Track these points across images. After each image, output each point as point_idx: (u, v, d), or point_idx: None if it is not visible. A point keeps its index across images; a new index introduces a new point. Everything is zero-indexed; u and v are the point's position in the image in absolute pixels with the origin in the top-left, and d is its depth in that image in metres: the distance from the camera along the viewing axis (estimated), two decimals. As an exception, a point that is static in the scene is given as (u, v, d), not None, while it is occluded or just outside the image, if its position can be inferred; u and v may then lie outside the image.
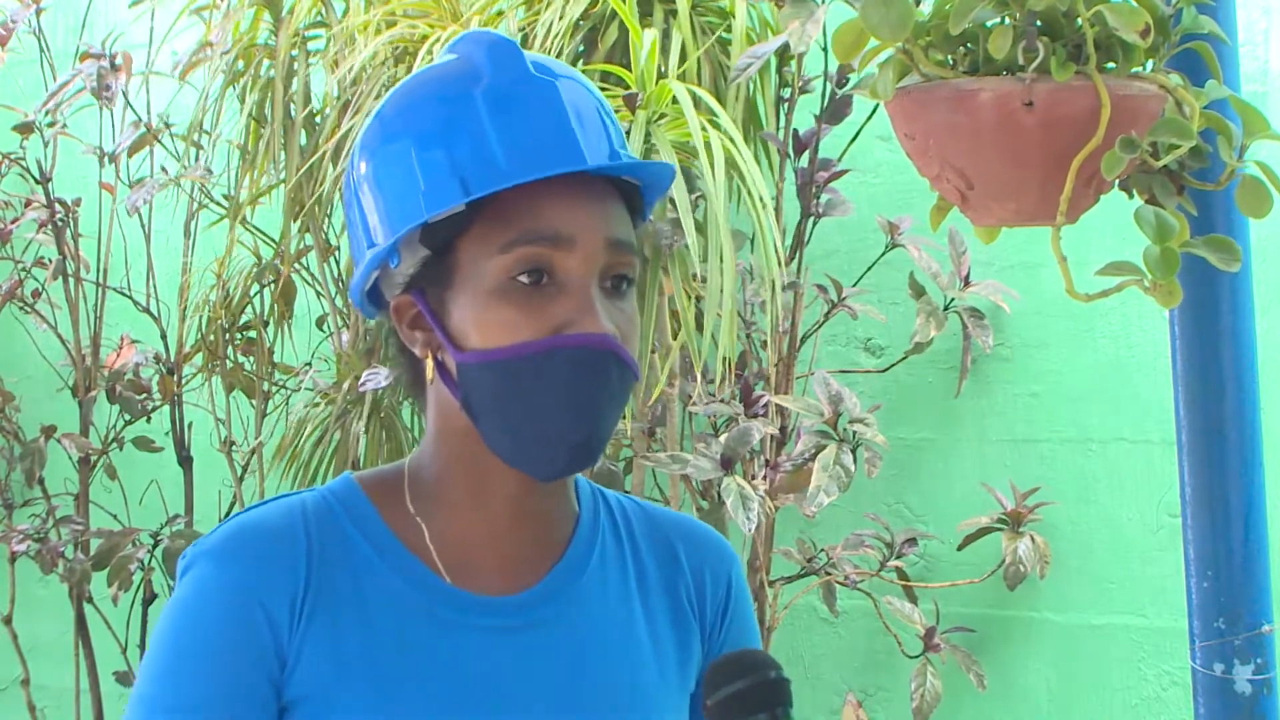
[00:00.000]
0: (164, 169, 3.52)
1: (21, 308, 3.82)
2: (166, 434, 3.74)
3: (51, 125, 3.68)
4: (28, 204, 3.74)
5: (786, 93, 3.06)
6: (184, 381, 3.67)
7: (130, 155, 3.52)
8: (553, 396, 1.36)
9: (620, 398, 1.40)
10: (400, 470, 1.48)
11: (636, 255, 1.42)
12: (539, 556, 1.47)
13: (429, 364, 1.42)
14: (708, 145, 2.57)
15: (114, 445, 3.77)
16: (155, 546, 3.53)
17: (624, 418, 2.78)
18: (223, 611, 1.38)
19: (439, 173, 1.38)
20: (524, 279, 1.37)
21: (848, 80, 2.97)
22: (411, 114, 1.42)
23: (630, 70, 2.70)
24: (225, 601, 1.38)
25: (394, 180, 1.41)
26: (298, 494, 1.47)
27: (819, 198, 3.01)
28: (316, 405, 3.32)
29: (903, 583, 3.06)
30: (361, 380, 2.89)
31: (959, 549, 3.08)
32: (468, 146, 1.38)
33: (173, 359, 3.65)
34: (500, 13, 2.94)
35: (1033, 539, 3.00)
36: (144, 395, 3.70)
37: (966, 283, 3.05)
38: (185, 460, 3.74)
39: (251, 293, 3.45)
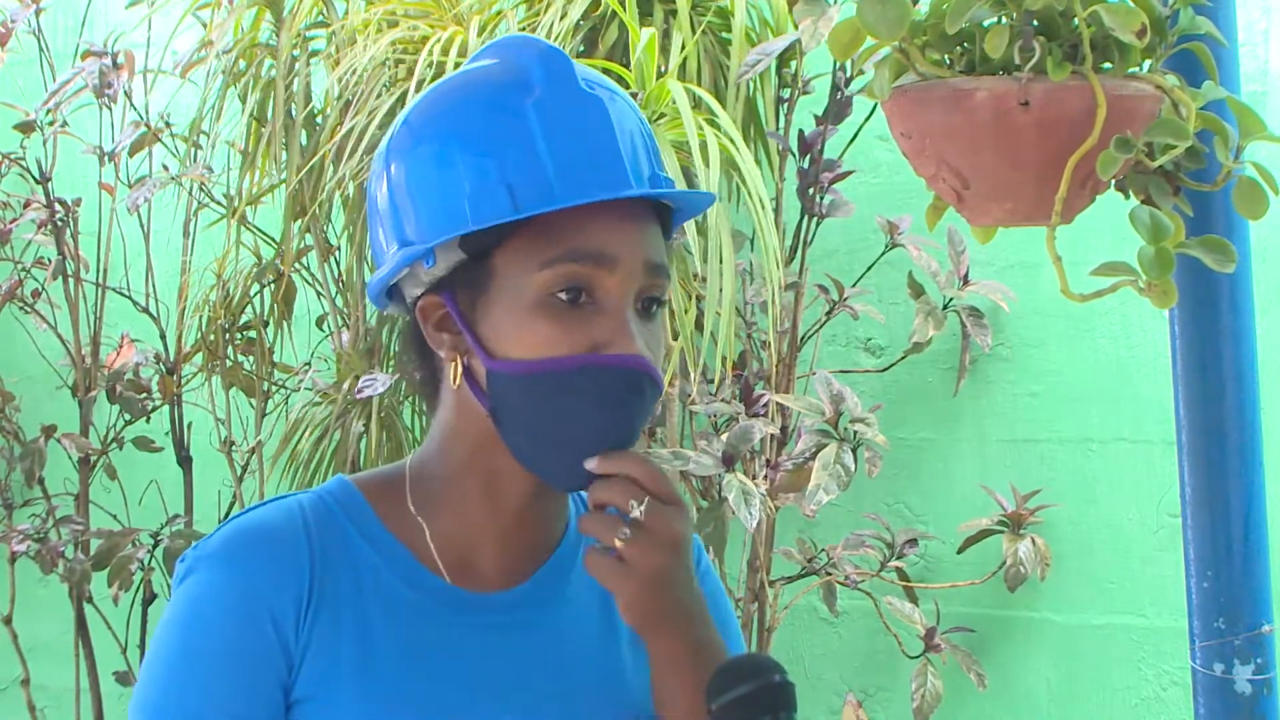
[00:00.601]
0: (164, 167, 3.52)
1: (21, 308, 3.81)
2: (166, 434, 3.73)
3: (51, 124, 3.67)
4: (27, 204, 3.73)
5: (786, 93, 3.06)
6: (184, 381, 3.67)
7: (131, 154, 3.51)
8: (585, 412, 1.37)
9: (648, 415, 1.41)
10: (401, 471, 1.48)
11: (668, 279, 1.42)
12: (532, 555, 1.48)
13: (455, 367, 1.41)
14: (704, 145, 2.57)
15: (114, 445, 3.77)
16: (155, 546, 3.53)
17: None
18: (229, 615, 1.38)
19: (488, 182, 1.37)
20: (563, 296, 1.37)
21: (850, 81, 2.96)
22: (456, 118, 1.41)
23: (629, 68, 2.70)
24: (231, 605, 1.38)
25: (436, 184, 1.39)
26: (293, 495, 1.46)
27: (821, 199, 3.01)
28: (316, 405, 3.32)
29: (903, 583, 3.06)
30: (358, 387, 2.89)
31: (959, 552, 3.07)
32: (519, 160, 1.37)
33: (172, 359, 3.65)
34: (500, 13, 2.94)
35: (1033, 541, 2.99)
36: (144, 395, 3.70)
37: (965, 282, 3.05)
38: (185, 460, 3.73)
39: (251, 293, 3.45)
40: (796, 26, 2.76)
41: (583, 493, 1.55)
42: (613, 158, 1.39)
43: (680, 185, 2.56)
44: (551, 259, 1.36)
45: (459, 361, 1.41)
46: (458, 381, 1.41)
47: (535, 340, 1.37)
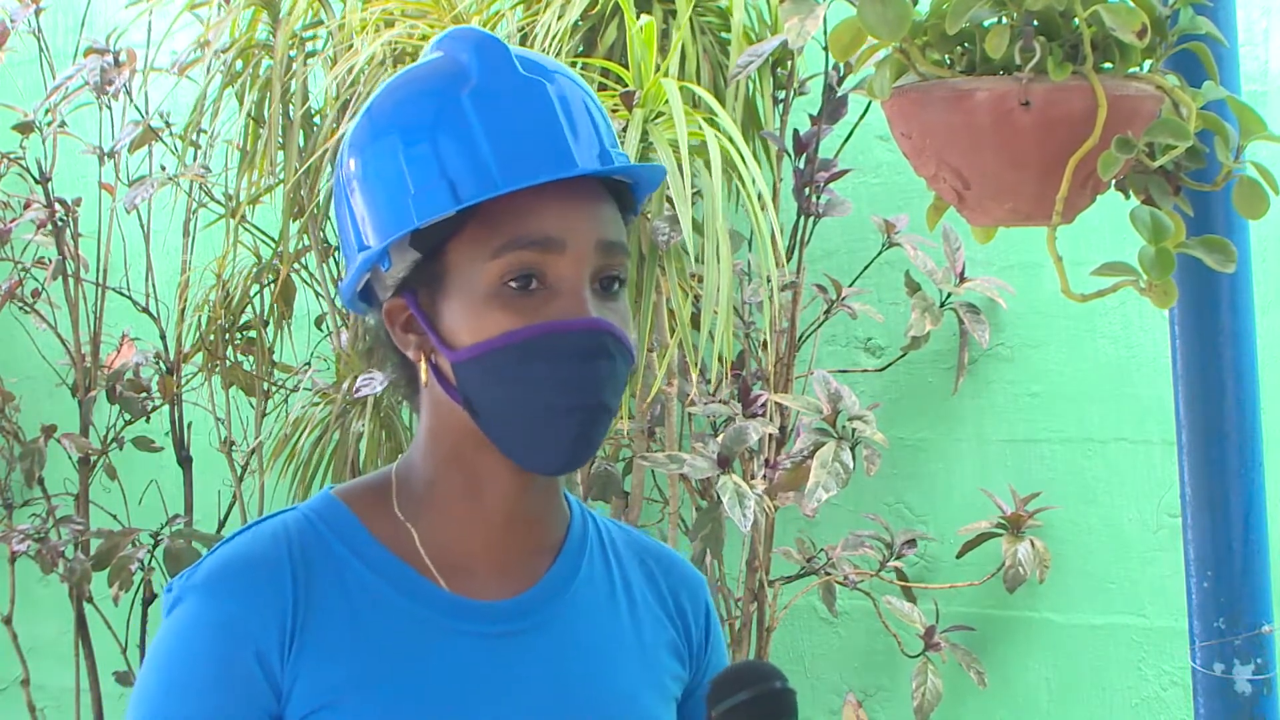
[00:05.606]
0: (163, 167, 3.52)
1: (21, 308, 3.82)
2: (166, 434, 3.73)
3: (50, 124, 3.67)
4: (27, 204, 3.73)
5: (782, 94, 3.06)
6: (184, 381, 3.67)
7: (131, 151, 3.51)
8: (550, 378, 1.36)
9: (618, 379, 1.40)
10: (386, 476, 1.48)
11: (627, 255, 1.42)
12: (532, 560, 1.48)
13: (423, 367, 1.42)
14: (702, 144, 2.57)
15: (114, 445, 3.77)
16: (155, 546, 3.52)
17: (622, 417, 2.78)
18: (211, 648, 1.39)
19: (429, 178, 1.38)
20: (515, 284, 1.37)
21: (843, 80, 2.96)
22: (399, 115, 1.42)
23: (628, 68, 2.70)
24: (213, 638, 1.39)
25: (383, 183, 1.40)
26: (279, 515, 1.46)
27: (817, 198, 3.00)
28: (316, 405, 3.32)
29: (902, 583, 3.06)
30: (357, 386, 2.89)
31: (958, 556, 3.07)
32: (457, 151, 1.37)
33: (172, 359, 3.65)
34: (499, 13, 2.94)
35: (1033, 544, 2.99)
36: (144, 395, 3.70)
37: (962, 279, 3.05)
38: (185, 460, 3.73)
39: (251, 293, 3.45)
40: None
41: (581, 506, 1.56)
42: (554, 139, 1.38)
43: (671, 183, 2.56)
44: (499, 248, 1.36)
45: (426, 361, 1.42)
46: (426, 380, 1.42)
47: (492, 329, 1.37)
